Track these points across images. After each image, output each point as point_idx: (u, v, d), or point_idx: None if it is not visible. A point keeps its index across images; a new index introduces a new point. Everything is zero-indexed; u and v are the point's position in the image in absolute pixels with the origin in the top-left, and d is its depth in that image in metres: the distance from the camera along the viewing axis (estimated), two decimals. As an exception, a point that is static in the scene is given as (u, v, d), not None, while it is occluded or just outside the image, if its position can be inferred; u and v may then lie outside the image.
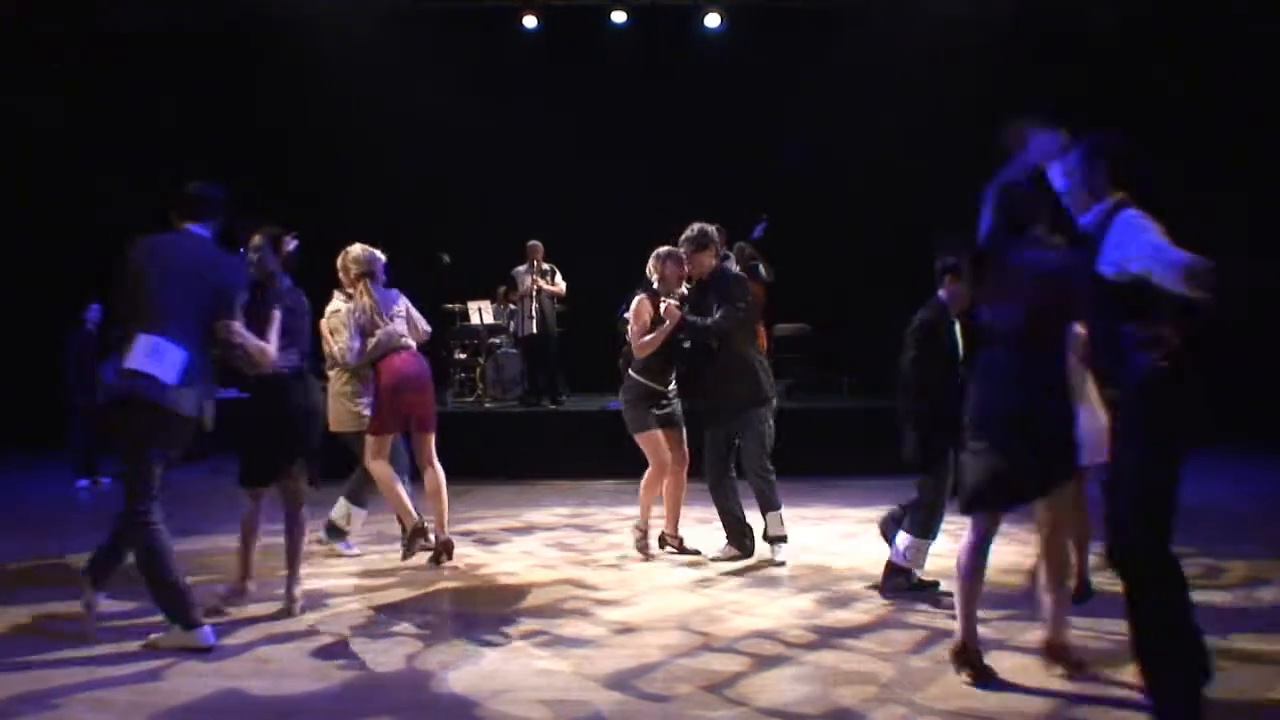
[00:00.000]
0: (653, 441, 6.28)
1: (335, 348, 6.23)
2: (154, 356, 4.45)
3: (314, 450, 5.49)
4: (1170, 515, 3.43)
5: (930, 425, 5.16)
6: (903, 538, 5.44)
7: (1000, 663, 4.29)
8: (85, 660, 4.44)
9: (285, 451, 5.21)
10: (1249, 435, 10.84)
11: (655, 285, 6.32)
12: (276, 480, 5.25)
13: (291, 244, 5.32)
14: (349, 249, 6.32)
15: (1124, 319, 3.42)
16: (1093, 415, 4.58)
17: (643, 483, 6.40)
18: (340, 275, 6.32)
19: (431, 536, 6.21)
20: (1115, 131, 3.55)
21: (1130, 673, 4.10)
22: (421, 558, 6.33)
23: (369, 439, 6.23)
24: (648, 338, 6.21)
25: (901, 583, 5.46)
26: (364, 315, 6.15)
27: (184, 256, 4.69)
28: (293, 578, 5.24)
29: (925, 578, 5.51)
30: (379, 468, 6.20)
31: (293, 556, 5.26)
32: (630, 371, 6.37)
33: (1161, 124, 12.26)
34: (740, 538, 6.40)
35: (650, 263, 6.38)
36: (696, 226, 6.45)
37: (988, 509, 4.03)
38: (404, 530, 6.26)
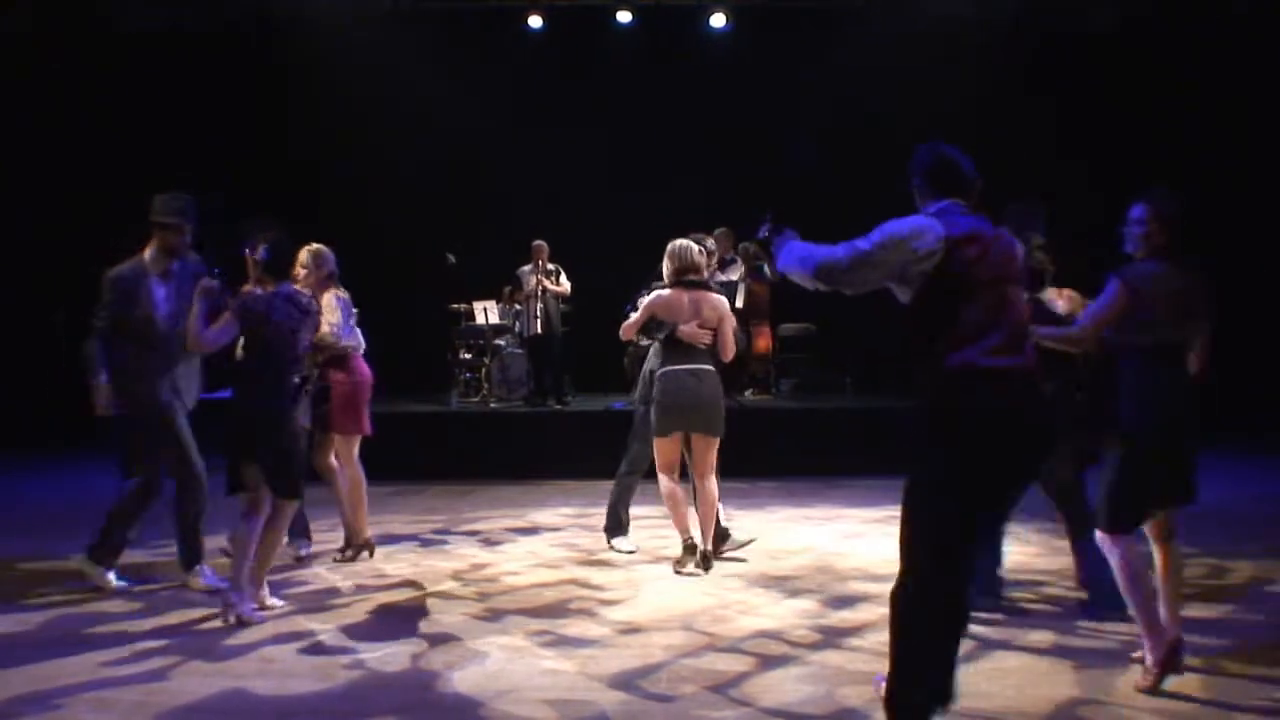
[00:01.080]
0: None
1: (326, 326, 5.98)
2: None
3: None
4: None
5: None
6: None
7: (1005, 663, 4.30)
8: (89, 660, 4.45)
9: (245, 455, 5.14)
10: (1251, 436, 10.84)
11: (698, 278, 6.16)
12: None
13: (259, 252, 5.18)
14: (316, 248, 6.15)
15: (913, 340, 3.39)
16: None
17: (709, 491, 6.07)
18: (302, 272, 6.04)
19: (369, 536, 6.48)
20: (933, 143, 3.56)
21: (1136, 673, 4.12)
22: (418, 561, 6.36)
23: (349, 439, 6.30)
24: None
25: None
26: (348, 306, 6.25)
27: None
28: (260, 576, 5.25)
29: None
30: (357, 471, 6.31)
31: (261, 555, 5.23)
32: (716, 370, 6.09)
33: (1161, 124, 12.30)
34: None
35: (702, 255, 6.18)
36: (709, 240, 6.53)
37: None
38: (357, 541, 6.43)
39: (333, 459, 6.37)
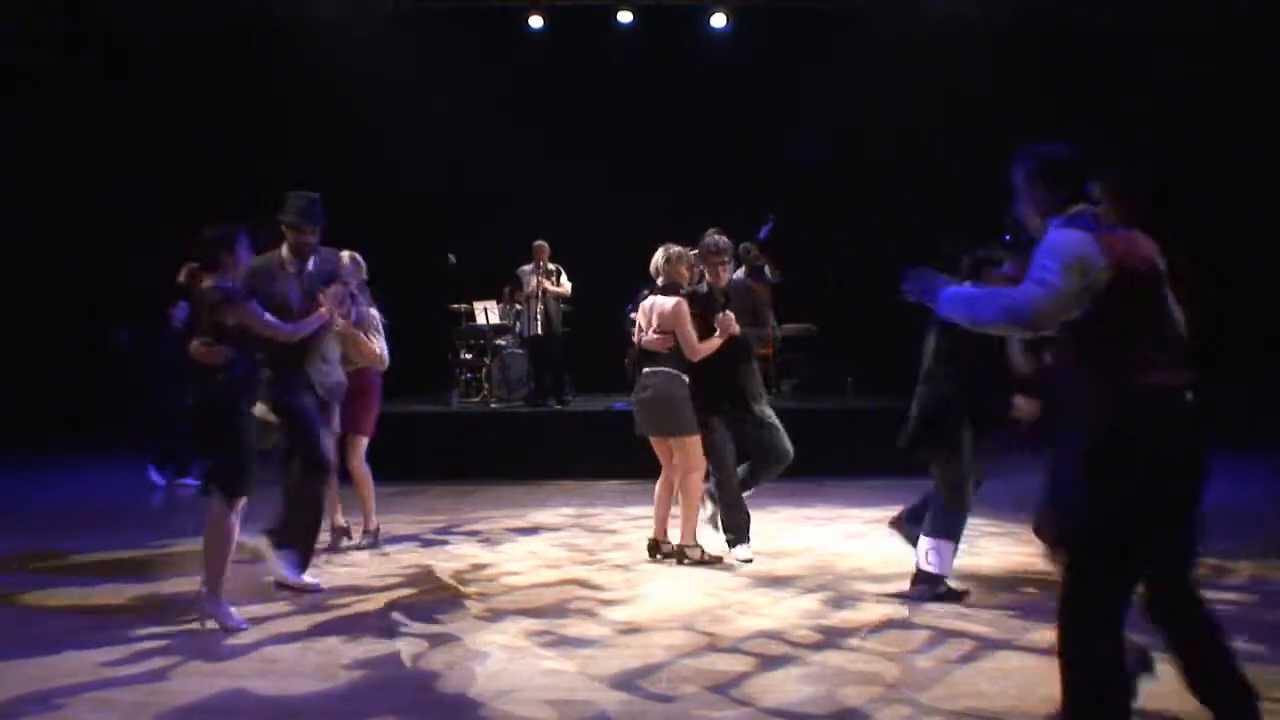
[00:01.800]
0: (699, 444, 6.14)
1: (378, 349, 6.43)
2: None
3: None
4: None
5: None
6: (923, 541, 5.29)
7: (1006, 663, 4.29)
8: (89, 660, 4.45)
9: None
10: (1254, 436, 10.84)
11: (682, 287, 6.24)
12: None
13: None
14: (355, 255, 6.44)
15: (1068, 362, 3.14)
16: None
17: (682, 489, 6.15)
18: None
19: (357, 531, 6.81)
20: (1055, 142, 3.28)
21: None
22: (419, 561, 6.37)
23: (364, 440, 6.68)
24: (707, 344, 6.10)
25: (927, 590, 5.27)
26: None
27: None
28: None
29: (955, 585, 5.36)
30: (366, 469, 6.71)
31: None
32: (678, 372, 6.11)
33: (1162, 124, 12.29)
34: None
35: (668, 263, 6.21)
36: (722, 239, 6.45)
37: None
38: (370, 527, 6.81)
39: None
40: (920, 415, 5.39)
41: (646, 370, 6.20)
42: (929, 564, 5.27)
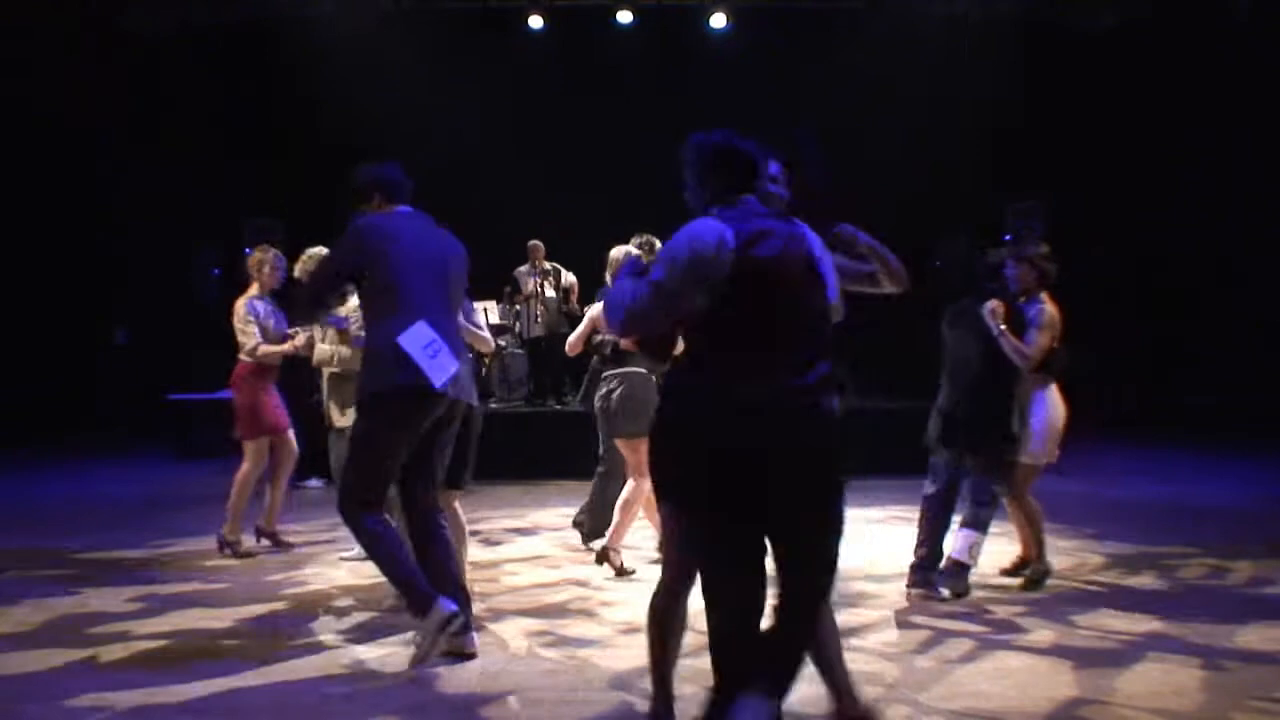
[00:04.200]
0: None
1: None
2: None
3: None
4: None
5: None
6: (965, 534, 5.37)
7: (1006, 663, 4.29)
8: (89, 660, 4.46)
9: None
10: (1255, 435, 10.85)
11: None
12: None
13: None
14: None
15: None
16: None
17: (636, 492, 6.04)
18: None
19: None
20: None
21: (1138, 671, 4.12)
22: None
23: None
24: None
25: (963, 583, 5.37)
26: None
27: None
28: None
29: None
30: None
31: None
32: (647, 373, 6.06)
33: (1162, 123, 12.30)
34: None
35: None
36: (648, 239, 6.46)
37: None
38: None
39: None
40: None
41: (620, 371, 6.04)
42: (960, 555, 5.37)
